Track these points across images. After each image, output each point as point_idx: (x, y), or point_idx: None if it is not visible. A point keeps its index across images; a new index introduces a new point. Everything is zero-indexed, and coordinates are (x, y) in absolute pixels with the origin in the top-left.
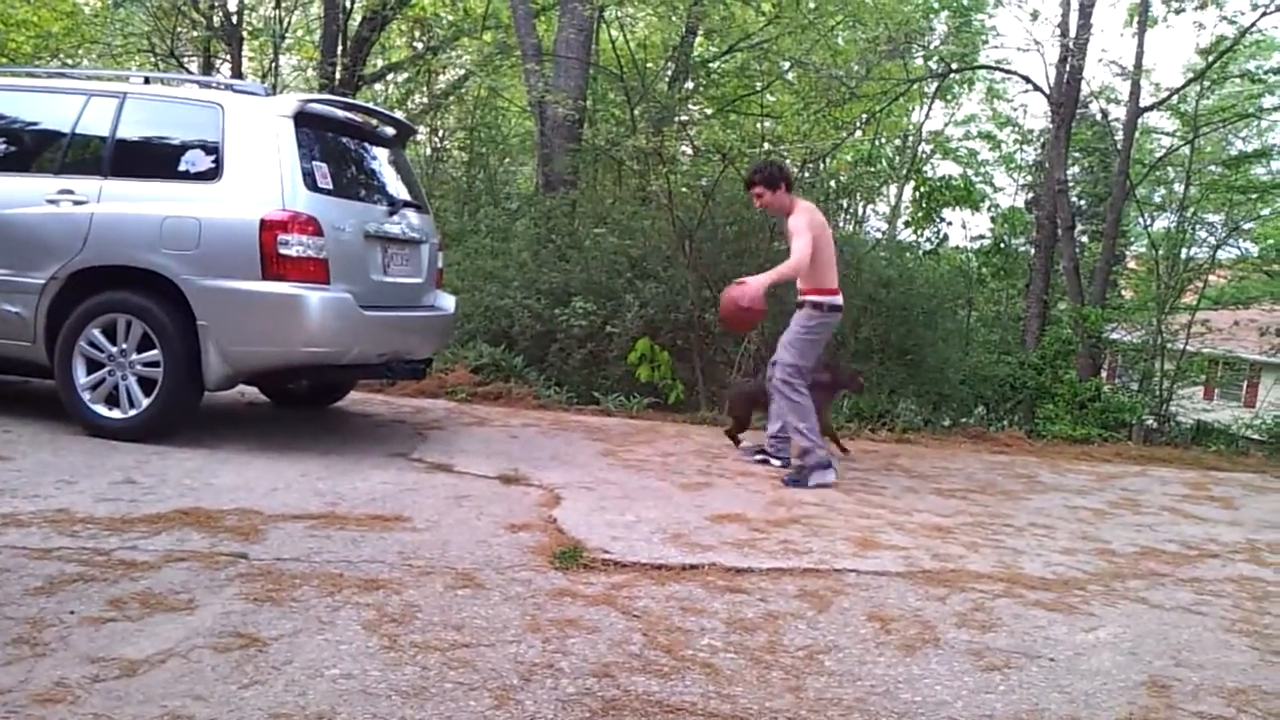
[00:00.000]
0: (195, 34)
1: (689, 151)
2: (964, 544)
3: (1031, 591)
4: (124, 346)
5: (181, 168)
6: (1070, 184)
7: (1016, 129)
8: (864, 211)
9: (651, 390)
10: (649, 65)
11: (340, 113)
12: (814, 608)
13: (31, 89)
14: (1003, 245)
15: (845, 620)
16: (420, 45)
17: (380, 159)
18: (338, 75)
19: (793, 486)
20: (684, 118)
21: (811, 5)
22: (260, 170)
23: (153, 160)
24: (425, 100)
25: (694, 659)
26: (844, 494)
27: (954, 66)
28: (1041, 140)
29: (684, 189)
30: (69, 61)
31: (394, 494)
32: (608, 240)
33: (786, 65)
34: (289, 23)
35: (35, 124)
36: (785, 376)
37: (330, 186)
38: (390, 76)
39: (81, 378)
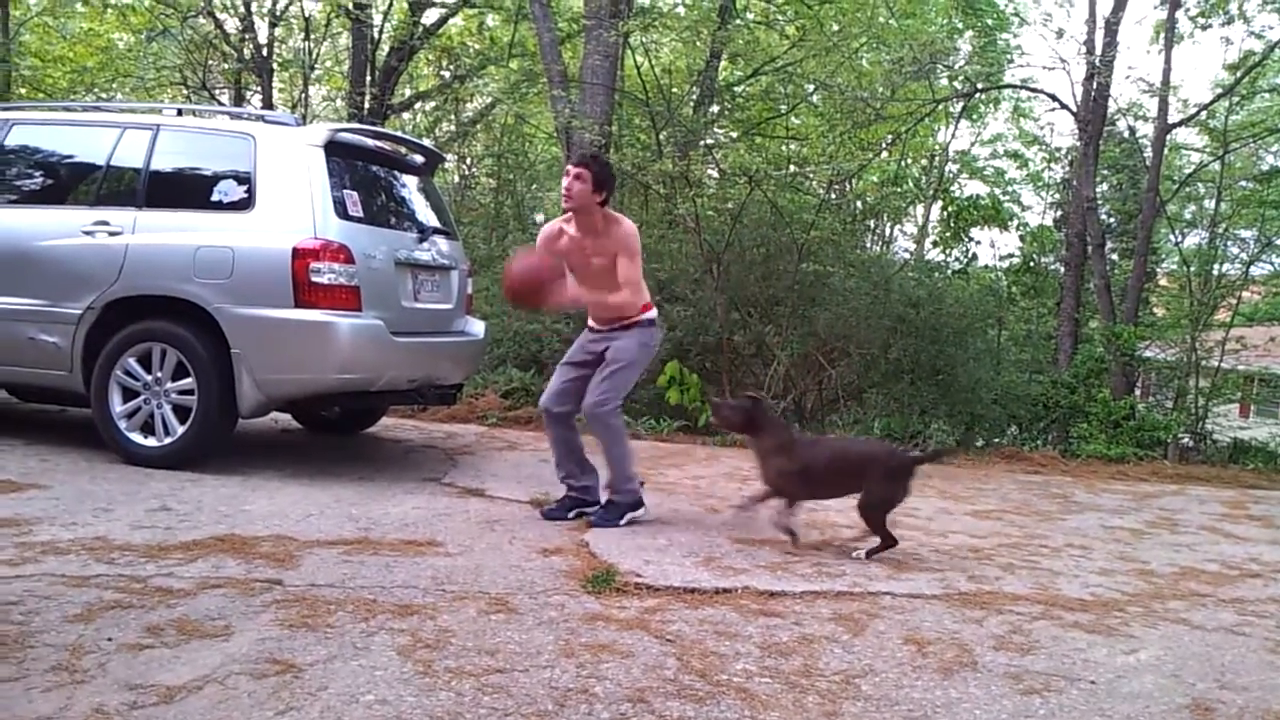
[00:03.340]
0: (226, 66)
1: (715, 175)
2: (1000, 565)
3: (1070, 613)
4: (159, 375)
5: (214, 198)
6: (1099, 201)
7: (1044, 147)
8: (891, 232)
9: (681, 413)
10: (674, 90)
11: (370, 141)
12: (849, 631)
13: (67, 123)
14: (1032, 264)
15: (881, 643)
16: (448, 74)
17: (410, 187)
18: (367, 105)
19: (605, 526)
20: (710, 141)
21: (835, 28)
22: (292, 199)
23: (186, 191)
24: (453, 128)
25: (729, 683)
26: None
27: (979, 86)
28: (1069, 158)
29: (711, 212)
30: (103, 95)
31: (426, 519)
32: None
33: (811, 88)
34: (318, 54)
35: (71, 157)
36: (615, 403)
37: (361, 214)
38: (418, 105)
39: (118, 406)
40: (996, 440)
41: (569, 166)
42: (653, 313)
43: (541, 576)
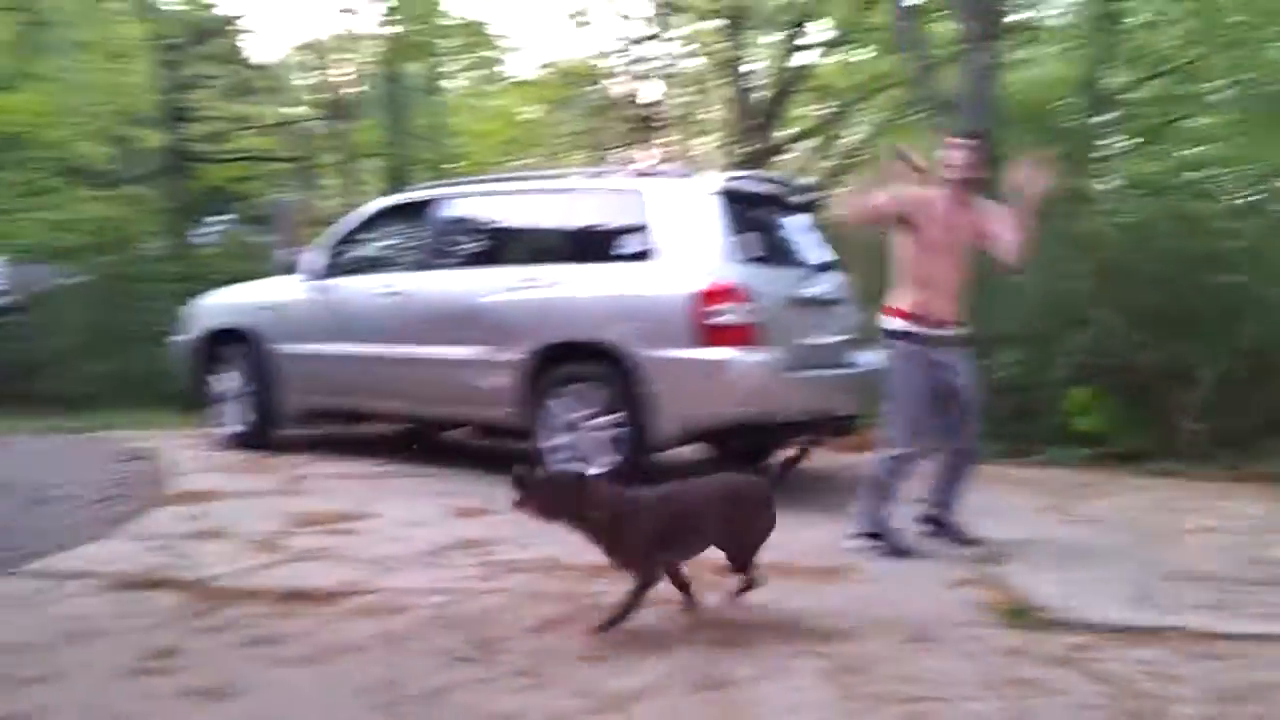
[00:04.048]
0: (620, 128)
1: (1110, 188)
2: None
3: None
4: (586, 412)
5: (621, 250)
6: None
7: None
8: None
9: (1093, 440)
10: (1059, 102)
11: (756, 186)
12: None
13: (493, 193)
14: None
15: None
16: (822, 112)
17: (795, 225)
18: (747, 150)
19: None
20: (1102, 153)
21: (1238, 19)
22: (689, 246)
23: (596, 245)
24: (831, 164)
25: None
26: None
27: None
28: None
29: (1109, 227)
30: (520, 164)
31: (835, 547)
32: (1030, 286)
33: (1215, 85)
34: (702, 108)
35: (499, 222)
36: None
37: (753, 256)
38: (796, 145)
39: (554, 440)
40: None
41: (956, 140)
42: None
43: (955, 608)
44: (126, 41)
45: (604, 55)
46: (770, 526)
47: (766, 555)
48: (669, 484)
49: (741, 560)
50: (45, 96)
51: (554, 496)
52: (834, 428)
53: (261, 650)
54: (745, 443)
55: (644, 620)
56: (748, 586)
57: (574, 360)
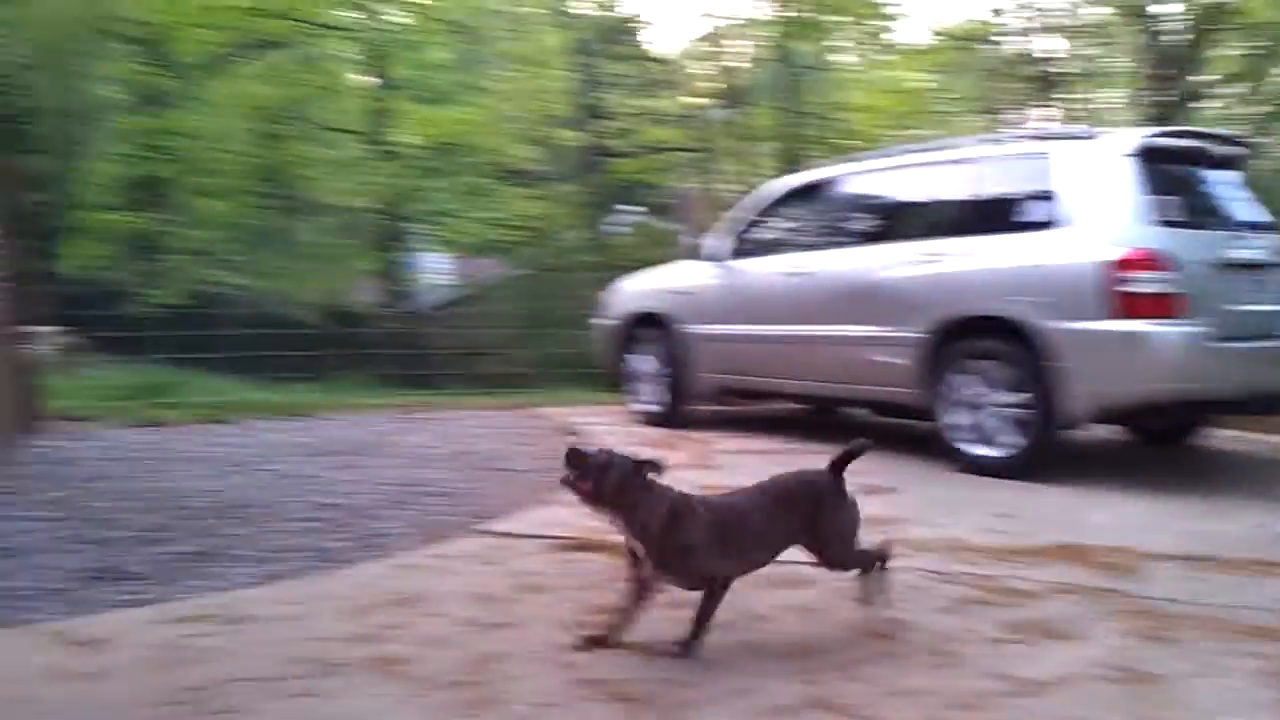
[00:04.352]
0: (1015, 88)
1: None
2: None
3: None
4: (990, 389)
5: (1027, 218)
6: None
7: None
8: None
9: None
10: None
11: (1174, 141)
12: None
13: (891, 167)
14: None
15: None
16: (1249, 52)
17: (1222, 182)
18: (1159, 101)
19: None
20: None
21: None
22: (1100, 211)
23: (996, 215)
24: (1261, 111)
25: None
26: None
27: None
28: None
29: None
30: (913, 135)
31: (1269, 537)
32: None
33: None
34: (1106, 59)
35: (898, 196)
36: None
37: (1174, 218)
38: (1218, 91)
39: (956, 419)
40: None
41: None
42: None
43: None
44: (546, 50)
45: (998, 12)
46: (853, 518)
47: (1187, 544)
48: (725, 494)
49: (838, 559)
50: (480, 108)
51: (607, 482)
52: (1269, 406)
53: (677, 613)
54: (1165, 423)
55: (1057, 608)
56: (871, 588)
57: (977, 336)
